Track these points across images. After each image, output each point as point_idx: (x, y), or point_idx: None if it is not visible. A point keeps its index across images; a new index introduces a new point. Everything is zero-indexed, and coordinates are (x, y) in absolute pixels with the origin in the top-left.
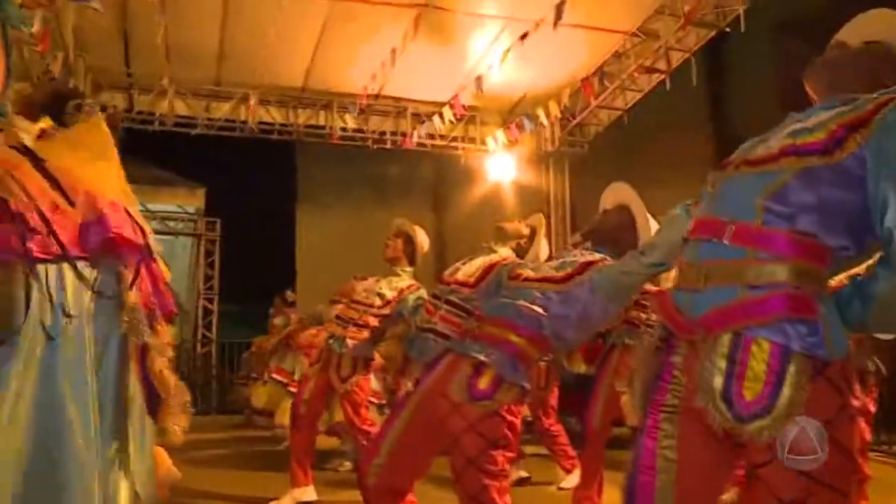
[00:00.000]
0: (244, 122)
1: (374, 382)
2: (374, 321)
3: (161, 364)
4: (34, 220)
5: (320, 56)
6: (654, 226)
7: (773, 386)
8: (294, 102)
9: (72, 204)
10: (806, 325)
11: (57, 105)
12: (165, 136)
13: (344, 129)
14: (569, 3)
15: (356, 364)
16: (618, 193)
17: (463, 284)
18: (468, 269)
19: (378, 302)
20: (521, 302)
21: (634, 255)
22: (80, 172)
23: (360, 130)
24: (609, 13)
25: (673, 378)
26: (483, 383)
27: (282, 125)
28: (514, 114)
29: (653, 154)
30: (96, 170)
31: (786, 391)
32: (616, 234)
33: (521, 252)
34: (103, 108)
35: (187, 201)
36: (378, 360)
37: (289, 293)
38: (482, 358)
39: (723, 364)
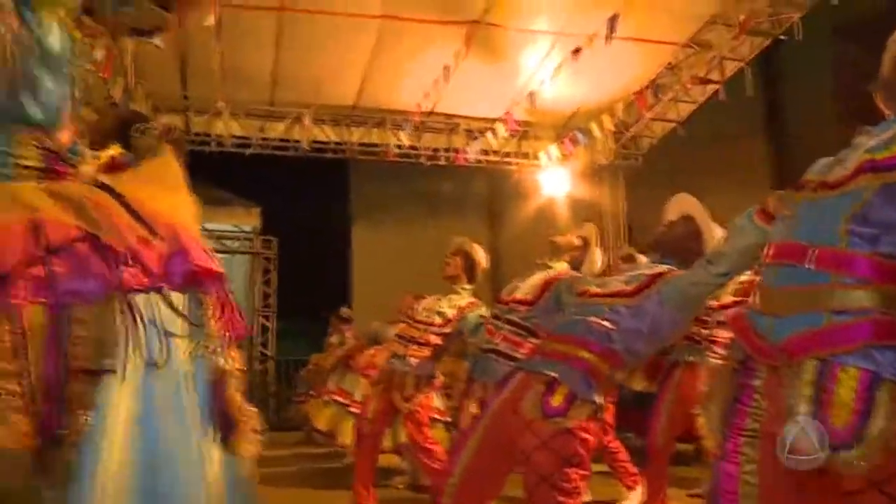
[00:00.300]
0: (298, 142)
1: (436, 400)
2: (435, 339)
3: (235, 388)
4: (124, 253)
5: (372, 74)
6: (717, 233)
7: (862, 414)
8: (347, 121)
9: (155, 235)
10: (895, 351)
11: (123, 130)
12: (221, 156)
13: (398, 147)
14: (621, 17)
15: (419, 383)
16: (682, 204)
17: (521, 303)
18: (525, 288)
19: (439, 320)
20: (591, 318)
21: (702, 265)
22: (156, 205)
23: (413, 147)
24: (661, 25)
25: (753, 402)
26: (556, 400)
27: (335, 144)
28: (567, 128)
29: (708, 164)
30: (171, 202)
31: (877, 420)
32: (682, 245)
33: (576, 264)
34: (167, 130)
35: (244, 220)
36: (440, 378)
37: (344, 310)
38: (554, 375)
39: (808, 391)
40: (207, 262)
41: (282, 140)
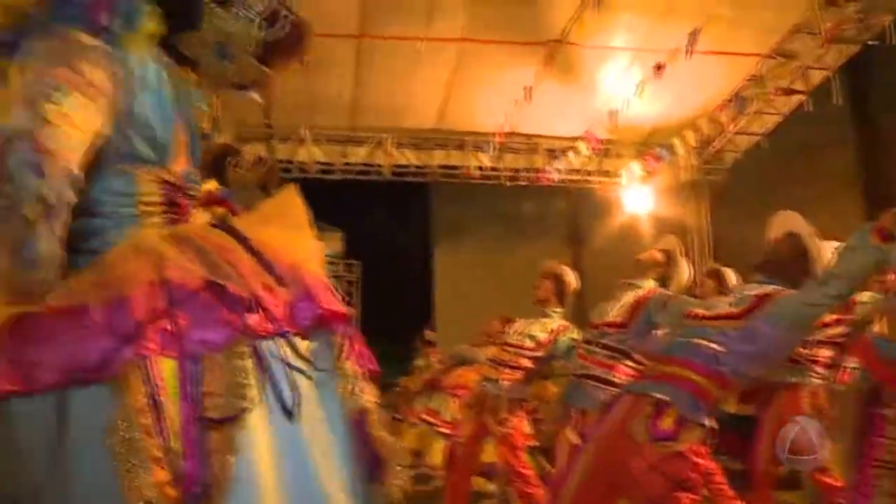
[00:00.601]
0: (380, 166)
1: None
2: (527, 363)
3: (377, 424)
4: (249, 300)
5: (451, 97)
6: (825, 250)
7: None
8: (428, 144)
9: (279, 281)
10: None
11: (217, 164)
12: (304, 182)
13: (479, 168)
14: (702, 30)
15: (511, 406)
16: (786, 222)
17: (613, 326)
18: (616, 310)
19: (530, 344)
20: (698, 340)
21: (814, 286)
22: (280, 246)
23: (494, 169)
24: (743, 37)
25: (886, 432)
26: (665, 423)
27: (416, 167)
28: (648, 144)
29: (795, 176)
30: (294, 242)
31: None
32: (788, 265)
33: (663, 280)
34: (260, 161)
35: (327, 245)
36: (531, 401)
37: (428, 333)
38: (663, 397)
39: None
40: (334, 304)
41: (364, 164)
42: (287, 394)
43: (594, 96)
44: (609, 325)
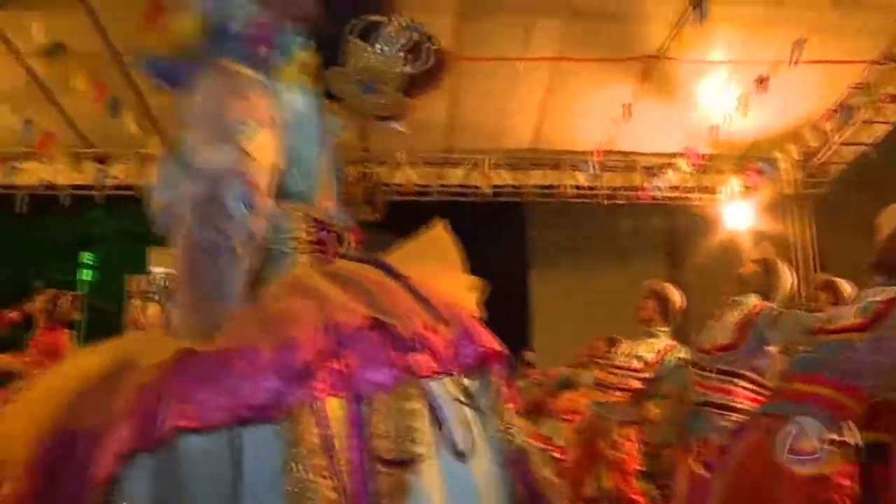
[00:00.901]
0: (477, 187)
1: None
2: (636, 384)
3: (539, 464)
4: (413, 339)
5: (547, 116)
6: None
7: None
8: (524, 164)
9: (440, 320)
10: None
11: None
12: (400, 205)
13: (575, 188)
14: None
15: (623, 429)
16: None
17: (724, 349)
18: (723, 332)
19: (638, 365)
20: (827, 355)
21: None
22: (435, 284)
23: (591, 188)
24: (848, 44)
25: None
26: (807, 444)
27: (512, 187)
28: (748, 158)
29: None
30: (448, 280)
31: None
32: None
33: (765, 292)
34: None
35: None
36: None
37: (528, 354)
38: (801, 417)
39: None
40: (493, 342)
41: (460, 186)
42: (459, 435)
43: (693, 111)
44: (720, 348)
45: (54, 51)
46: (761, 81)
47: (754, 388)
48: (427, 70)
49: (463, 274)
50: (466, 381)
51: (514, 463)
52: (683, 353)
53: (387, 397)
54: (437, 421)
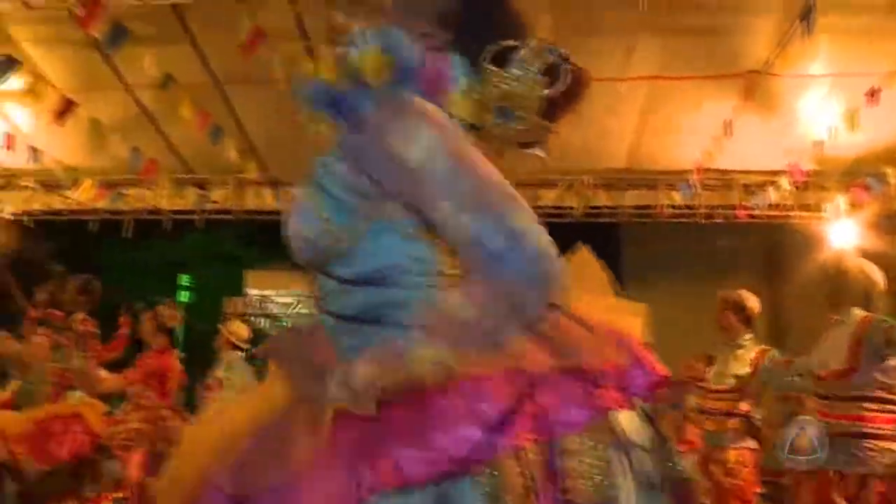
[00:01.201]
0: (572, 208)
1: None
2: (744, 407)
3: (700, 495)
4: (593, 374)
5: (643, 135)
6: None
7: None
8: (620, 184)
9: (612, 351)
10: None
11: None
12: None
13: (672, 207)
14: None
15: (739, 456)
16: None
17: (841, 376)
18: (836, 356)
19: (734, 383)
20: None
21: None
22: (595, 313)
23: (688, 207)
24: None
25: None
26: None
27: (608, 208)
28: (854, 174)
29: None
30: (605, 307)
31: None
32: None
33: (866, 302)
34: None
35: None
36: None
37: None
38: None
39: None
40: (662, 369)
41: (554, 207)
42: (650, 468)
43: (795, 127)
44: (836, 375)
45: (166, 82)
46: (872, 94)
47: (887, 407)
48: (565, 91)
49: (613, 298)
50: (645, 408)
51: (680, 493)
52: (777, 353)
53: (576, 437)
54: (627, 455)
